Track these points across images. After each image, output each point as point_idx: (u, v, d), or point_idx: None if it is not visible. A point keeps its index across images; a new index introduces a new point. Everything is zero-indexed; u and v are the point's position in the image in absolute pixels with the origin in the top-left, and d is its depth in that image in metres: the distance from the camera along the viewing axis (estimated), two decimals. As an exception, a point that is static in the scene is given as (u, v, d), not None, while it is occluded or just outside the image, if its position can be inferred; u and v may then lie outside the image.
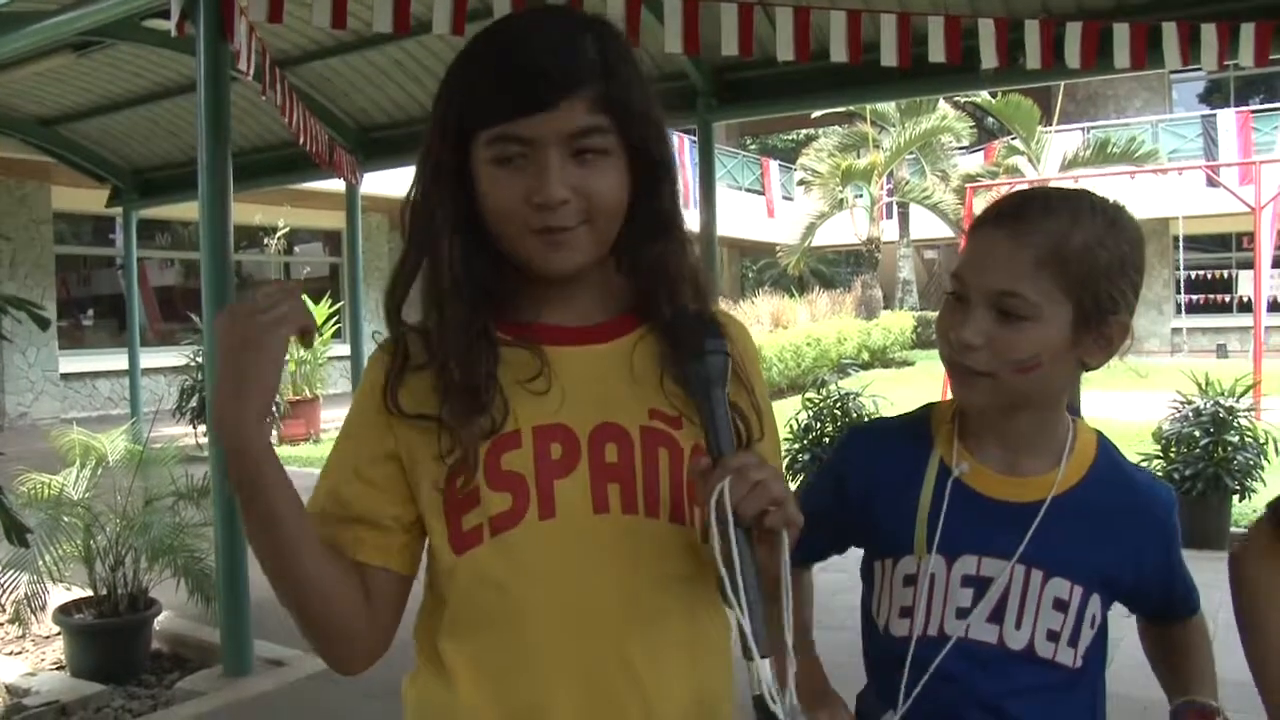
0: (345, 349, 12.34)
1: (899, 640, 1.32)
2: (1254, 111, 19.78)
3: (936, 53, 5.53)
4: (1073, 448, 1.33)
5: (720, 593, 0.99)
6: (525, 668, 1.08)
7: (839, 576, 1.91)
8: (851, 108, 18.98)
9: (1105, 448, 1.37)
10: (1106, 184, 19.54)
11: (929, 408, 1.41)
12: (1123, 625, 1.48)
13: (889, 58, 5.51)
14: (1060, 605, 1.28)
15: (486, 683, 1.09)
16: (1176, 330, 21.58)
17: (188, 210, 12.34)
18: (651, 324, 1.16)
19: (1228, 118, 19.62)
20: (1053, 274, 1.20)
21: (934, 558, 1.29)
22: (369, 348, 15.64)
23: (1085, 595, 1.29)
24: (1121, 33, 5.55)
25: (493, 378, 1.10)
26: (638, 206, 1.13)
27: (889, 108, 20.09)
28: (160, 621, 4.92)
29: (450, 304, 1.11)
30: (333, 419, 13.23)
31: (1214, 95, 24.01)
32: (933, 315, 23.66)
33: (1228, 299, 21.19)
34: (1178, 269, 21.32)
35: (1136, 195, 19.69)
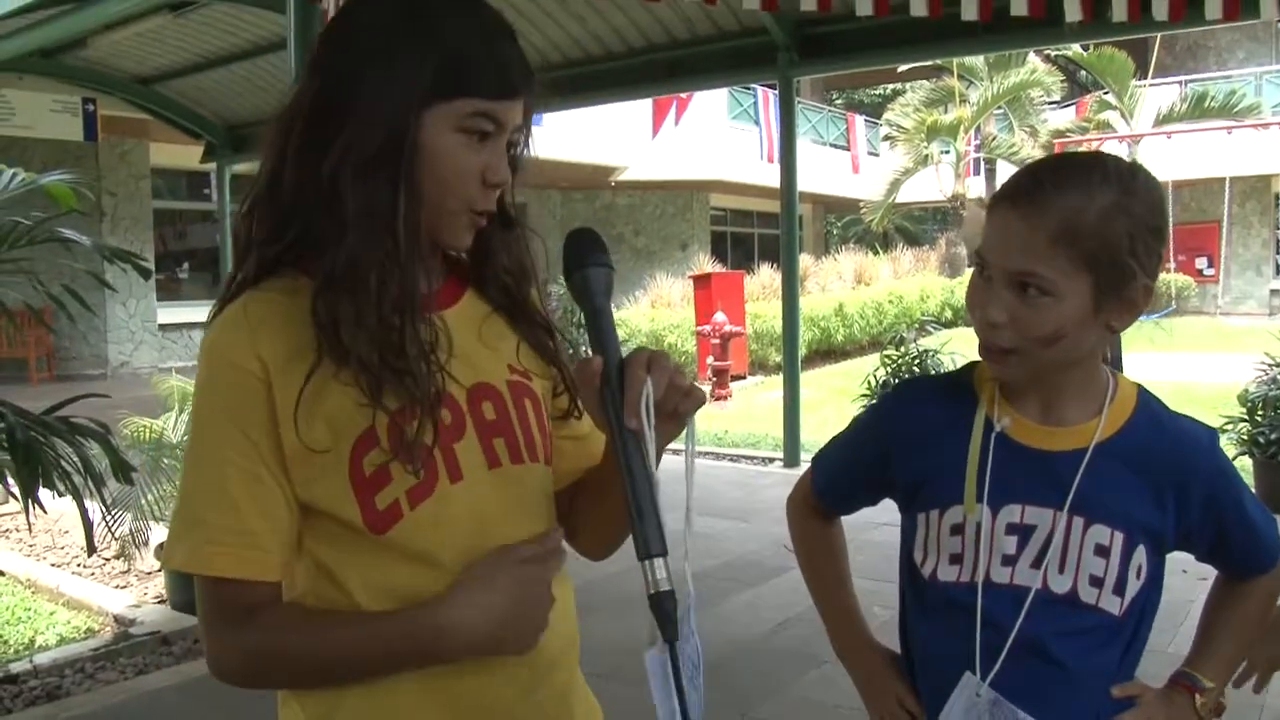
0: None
1: (947, 585, 1.36)
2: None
3: (1019, 6, 5.46)
4: (1113, 398, 1.36)
5: (627, 492, 1.03)
6: None
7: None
8: (938, 62, 18.63)
9: (1145, 399, 1.39)
10: (1202, 140, 18.85)
11: (973, 365, 1.44)
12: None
13: (969, 11, 5.46)
14: (1101, 551, 1.31)
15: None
16: (1276, 291, 20.91)
17: (278, 166, 12.64)
18: (475, 287, 1.23)
19: (1337, 69, 18.85)
20: (1068, 250, 1.23)
21: (981, 508, 1.33)
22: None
23: (1127, 543, 1.31)
24: (1212, -17, 5.41)
25: (432, 350, 1.11)
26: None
27: (977, 61, 19.67)
28: (253, 560, 5.16)
29: (394, 275, 1.08)
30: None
31: (1324, 45, 23.00)
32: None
33: (1331, 259, 20.46)
34: (1278, 228, 20.62)
35: (1234, 151, 19.12)
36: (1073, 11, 5.45)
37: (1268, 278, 21.51)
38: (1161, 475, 1.33)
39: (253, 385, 1.07)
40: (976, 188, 21.92)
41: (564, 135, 17.73)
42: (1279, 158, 18.74)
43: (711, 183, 20.93)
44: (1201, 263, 22.02)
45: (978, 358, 1.40)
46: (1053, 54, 20.27)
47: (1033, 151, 20.46)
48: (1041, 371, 1.32)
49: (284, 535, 1.09)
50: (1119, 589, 1.32)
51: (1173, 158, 19.50)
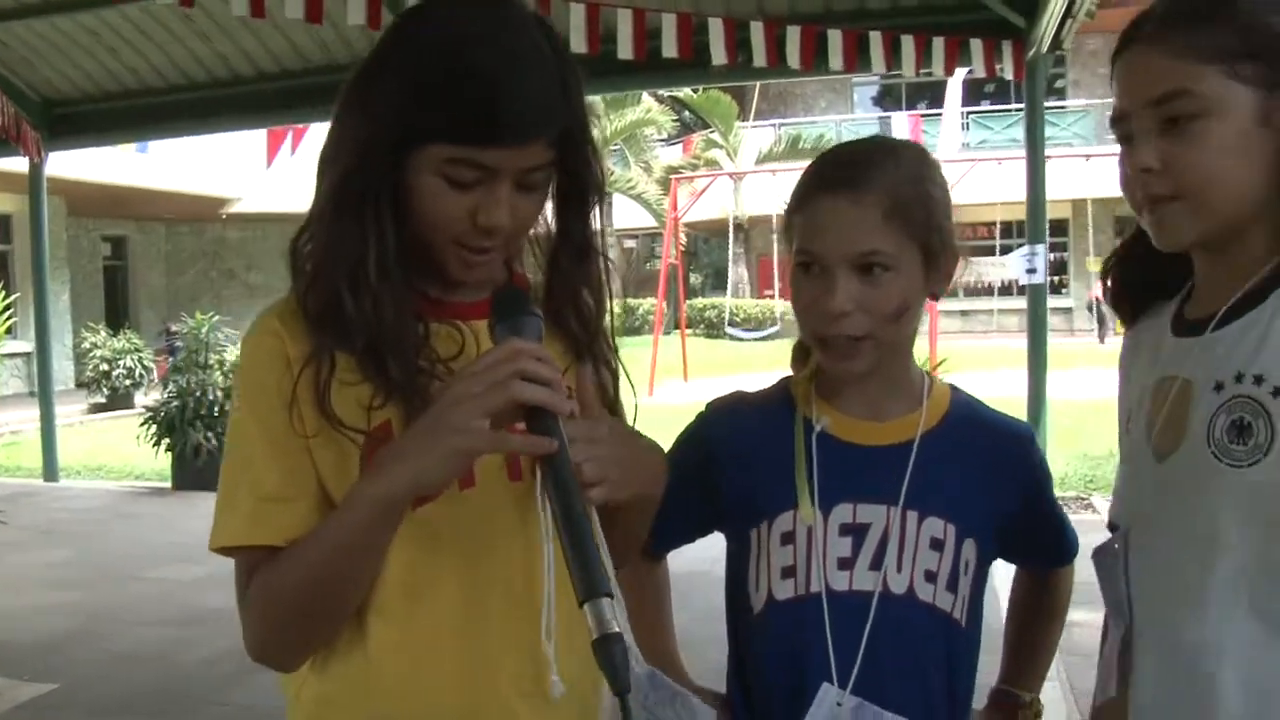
0: (21, 345, 11.25)
1: (785, 603, 1.32)
2: (923, 116, 21.59)
3: (669, 48, 5.79)
4: (929, 391, 1.38)
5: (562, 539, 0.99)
6: (461, 629, 1.11)
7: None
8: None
9: (960, 394, 1.43)
10: (798, 178, 20.84)
11: (786, 378, 1.43)
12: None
13: (625, 51, 5.71)
14: (936, 545, 1.31)
15: (418, 651, 1.10)
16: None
17: None
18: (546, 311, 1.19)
19: (901, 120, 21.33)
20: (899, 223, 1.25)
21: (813, 511, 1.30)
22: (60, 346, 14.01)
23: (959, 535, 1.32)
24: (835, 38, 6.09)
25: (431, 363, 1.11)
26: (568, 227, 1.20)
27: (595, 99, 20.50)
28: None
29: (381, 288, 1.10)
30: (6, 422, 11.98)
31: (886, 99, 26.12)
32: (635, 303, 24.36)
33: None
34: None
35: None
36: (719, 55, 5.90)
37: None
38: (984, 467, 1.36)
39: (282, 366, 1.10)
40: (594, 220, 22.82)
41: (168, 164, 16.47)
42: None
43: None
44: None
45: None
46: (664, 94, 21.52)
47: (647, 186, 21.60)
48: (885, 356, 1.31)
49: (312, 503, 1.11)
50: (951, 585, 1.32)
51: (778, 194, 21.32)
